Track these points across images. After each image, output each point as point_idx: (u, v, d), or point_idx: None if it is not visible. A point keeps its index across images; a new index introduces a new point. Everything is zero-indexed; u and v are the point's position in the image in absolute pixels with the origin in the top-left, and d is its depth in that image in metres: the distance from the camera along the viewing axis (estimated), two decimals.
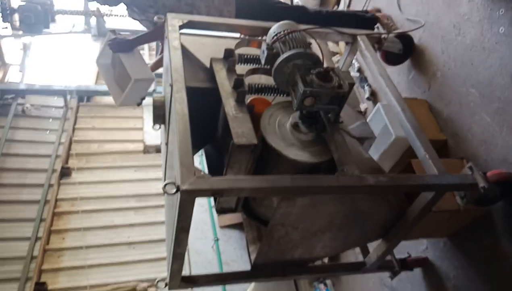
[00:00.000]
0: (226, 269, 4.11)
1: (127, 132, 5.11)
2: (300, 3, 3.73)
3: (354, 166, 1.40)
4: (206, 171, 1.91)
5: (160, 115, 1.79)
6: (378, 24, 2.63)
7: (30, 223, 4.11)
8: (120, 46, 2.48)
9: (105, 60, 2.71)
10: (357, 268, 1.97)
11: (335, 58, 3.04)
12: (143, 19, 2.47)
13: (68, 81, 5.30)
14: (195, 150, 1.93)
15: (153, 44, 4.98)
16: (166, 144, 1.74)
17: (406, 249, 2.27)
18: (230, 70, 1.72)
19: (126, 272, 3.98)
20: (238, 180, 1.34)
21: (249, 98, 1.69)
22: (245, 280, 1.88)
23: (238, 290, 3.91)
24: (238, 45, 1.86)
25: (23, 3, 4.47)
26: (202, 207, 4.56)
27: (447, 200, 1.64)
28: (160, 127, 1.91)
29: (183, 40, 1.72)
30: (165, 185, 1.18)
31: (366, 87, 2.89)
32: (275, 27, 1.59)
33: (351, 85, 1.47)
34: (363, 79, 2.96)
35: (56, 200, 4.31)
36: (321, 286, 3.56)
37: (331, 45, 3.11)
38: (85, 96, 5.35)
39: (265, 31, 1.62)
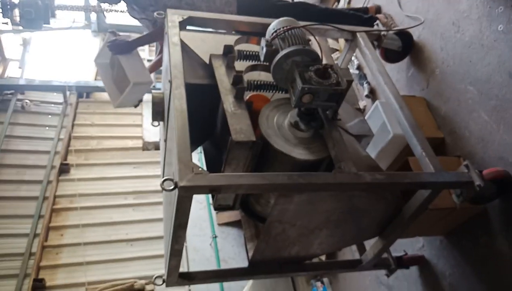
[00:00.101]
0: (224, 266, 4.12)
1: (126, 129, 5.11)
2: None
3: (351, 163, 1.40)
4: (205, 167, 1.92)
5: (159, 112, 1.79)
6: (377, 21, 2.63)
7: (28, 219, 4.11)
8: (120, 48, 2.48)
9: (103, 60, 2.71)
10: (354, 265, 1.98)
11: (335, 55, 3.04)
12: (143, 17, 2.46)
13: (68, 77, 5.30)
14: (194, 146, 1.93)
15: None
16: (165, 141, 1.74)
17: (402, 247, 2.28)
18: (229, 66, 1.72)
19: (124, 269, 3.99)
20: (235, 177, 1.35)
21: (248, 95, 1.69)
22: (243, 277, 1.89)
23: (235, 287, 3.93)
24: (237, 42, 1.85)
25: None
26: (201, 203, 4.56)
27: (444, 198, 1.65)
28: (159, 124, 1.91)
29: (183, 36, 1.72)
30: (163, 181, 1.19)
31: (365, 85, 2.89)
32: (274, 24, 1.59)
33: (349, 82, 1.48)
34: (362, 76, 2.96)
35: (55, 197, 4.31)
36: (318, 284, 3.58)
37: (331, 42, 3.11)
38: (84, 92, 5.35)
39: (265, 27, 1.62)
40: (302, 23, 1.66)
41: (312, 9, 2.60)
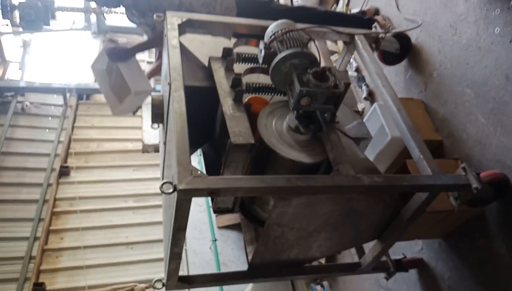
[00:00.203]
0: (224, 269, 4.12)
1: (126, 131, 5.12)
2: (299, 1, 3.75)
3: (349, 166, 1.41)
4: (204, 170, 1.92)
5: (158, 114, 1.79)
6: (376, 23, 2.64)
7: (28, 222, 4.11)
8: (119, 55, 2.49)
9: (100, 66, 2.70)
10: (352, 268, 1.98)
11: (333, 57, 3.05)
12: (142, 22, 2.47)
13: (68, 79, 5.31)
14: (193, 149, 1.94)
15: None
16: (164, 143, 1.75)
17: (401, 250, 2.28)
18: (228, 69, 1.72)
19: (124, 273, 3.98)
20: (234, 180, 1.35)
21: (246, 97, 1.70)
22: (242, 281, 1.89)
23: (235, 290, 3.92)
24: (236, 44, 1.86)
25: (24, 0, 4.47)
26: (200, 206, 4.56)
27: (441, 201, 1.65)
28: (158, 126, 1.92)
29: (182, 38, 1.73)
30: (162, 184, 1.19)
31: (364, 87, 2.90)
32: (272, 26, 1.59)
33: (347, 85, 1.49)
34: (361, 78, 2.97)
35: (55, 200, 4.31)
36: (318, 287, 3.57)
37: (329, 44, 3.12)
38: (84, 94, 5.36)
39: (264, 30, 1.63)
40: (300, 25, 1.67)
41: (312, 12, 2.62)
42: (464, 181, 1.48)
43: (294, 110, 1.53)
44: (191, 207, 1.28)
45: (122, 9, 2.60)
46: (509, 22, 1.75)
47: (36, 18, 4.31)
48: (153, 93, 1.81)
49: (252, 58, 1.78)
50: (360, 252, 2.04)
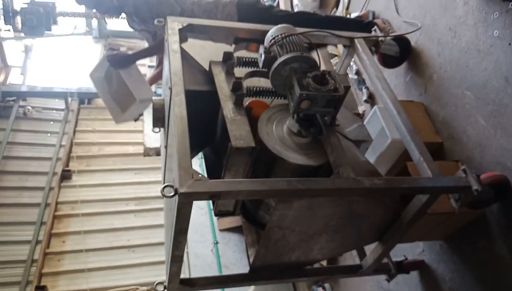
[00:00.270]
0: (226, 272, 4.12)
1: (128, 135, 5.14)
2: (299, 5, 3.76)
3: (349, 169, 1.42)
4: (206, 173, 1.93)
5: (159, 118, 1.80)
6: (375, 27, 2.65)
7: (30, 226, 4.13)
8: (120, 62, 2.51)
9: (98, 73, 2.72)
10: (354, 271, 1.98)
11: (334, 60, 3.06)
12: (143, 29, 2.50)
13: (69, 84, 5.34)
14: (194, 152, 1.95)
15: None
16: (166, 147, 1.76)
17: (402, 251, 2.28)
18: (229, 73, 1.73)
19: (126, 276, 3.99)
20: (235, 183, 1.36)
21: (247, 101, 1.71)
22: (244, 283, 1.89)
23: None
24: (237, 48, 1.87)
25: (25, 6, 4.51)
26: (202, 209, 4.57)
27: (442, 203, 1.65)
28: (160, 130, 1.93)
29: (183, 44, 1.74)
30: (164, 188, 1.20)
31: (364, 90, 2.91)
32: (272, 31, 1.61)
33: (347, 88, 1.49)
34: (361, 81, 2.98)
35: (57, 203, 4.33)
36: (320, 289, 3.57)
37: (330, 48, 3.13)
38: (86, 98, 5.39)
39: (264, 34, 1.64)
40: (300, 29, 1.69)
41: (313, 18, 2.63)
42: (464, 183, 1.48)
43: (294, 114, 1.54)
44: (192, 209, 1.29)
45: (123, 15, 2.62)
46: (508, 25, 1.76)
47: (37, 23, 4.34)
48: (154, 98, 1.83)
49: (253, 62, 1.79)
50: (361, 254, 2.04)
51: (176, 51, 1.63)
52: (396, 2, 2.58)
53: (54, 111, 5.22)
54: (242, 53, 1.84)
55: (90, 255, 4.02)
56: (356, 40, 1.98)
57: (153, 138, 5.01)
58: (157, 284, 1.67)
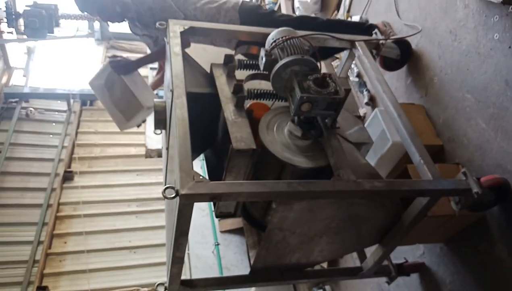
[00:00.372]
0: (226, 274, 4.12)
1: (129, 136, 5.15)
2: (301, 8, 3.78)
3: (350, 171, 1.42)
4: (207, 175, 1.94)
5: (161, 120, 1.81)
6: (376, 30, 2.66)
7: (32, 226, 4.14)
8: (124, 68, 2.52)
9: (98, 81, 2.72)
10: (354, 273, 1.99)
11: (335, 63, 3.07)
12: (145, 34, 2.51)
13: (72, 85, 5.36)
14: (195, 154, 1.96)
15: None
16: (167, 149, 1.77)
17: (403, 254, 2.29)
18: (230, 75, 1.75)
19: (127, 277, 4.01)
20: (236, 185, 1.37)
21: (248, 103, 1.72)
22: (244, 285, 1.90)
23: None
24: (238, 51, 1.89)
25: (28, 8, 4.54)
26: (203, 211, 4.58)
27: (442, 205, 1.66)
28: (161, 132, 1.94)
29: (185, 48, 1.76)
30: (165, 189, 1.21)
31: (365, 92, 2.91)
32: (273, 34, 1.62)
33: (347, 91, 1.50)
34: (362, 84, 2.98)
35: (59, 204, 4.35)
36: None
37: None
38: (88, 100, 5.41)
39: (265, 37, 1.65)
40: (301, 32, 1.70)
41: (314, 22, 2.64)
42: (464, 186, 1.49)
43: (295, 116, 1.55)
44: (193, 211, 1.30)
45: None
46: (508, 28, 1.76)
47: (40, 26, 4.37)
48: (155, 100, 1.84)
49: (254, 65, 1.80)
50: (362, 257, 2.05)
51: (178, 54, 1.64)
52: (397, 5, 2.59)
53: (56, 112, 5.25)
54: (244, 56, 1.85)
55: (91, 256, 4.03)
56: (357, 43, 1.99)
57: (155, 140, 5.00)
58: (158, 285, 1.68)
